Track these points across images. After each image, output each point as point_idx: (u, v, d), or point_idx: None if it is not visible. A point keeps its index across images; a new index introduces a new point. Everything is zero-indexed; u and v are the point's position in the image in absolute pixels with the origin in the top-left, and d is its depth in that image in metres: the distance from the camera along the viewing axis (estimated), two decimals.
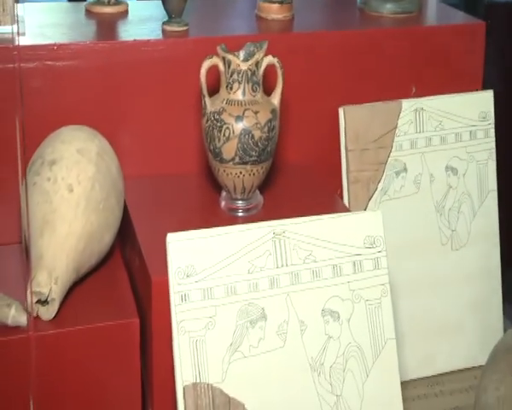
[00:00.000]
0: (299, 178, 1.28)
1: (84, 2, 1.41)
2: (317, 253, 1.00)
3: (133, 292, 1.09)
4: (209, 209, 1.18)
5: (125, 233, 1.16)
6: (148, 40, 1.28)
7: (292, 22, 1.40)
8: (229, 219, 1.15)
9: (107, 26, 1.34)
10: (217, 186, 1.18)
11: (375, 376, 0.98)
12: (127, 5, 1.41)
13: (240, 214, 1.17)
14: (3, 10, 1.25)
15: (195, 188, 1.24)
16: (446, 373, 1.29)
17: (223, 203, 1.18)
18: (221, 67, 1.14)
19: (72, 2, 1.65)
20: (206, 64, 1.13)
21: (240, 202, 1.17)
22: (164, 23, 1.32)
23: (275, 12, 1.41)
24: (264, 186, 1.19)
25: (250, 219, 1.14)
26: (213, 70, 1.13)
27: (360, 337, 0.98)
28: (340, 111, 1.30)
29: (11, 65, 1.17)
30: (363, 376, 0.97)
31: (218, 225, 0.96)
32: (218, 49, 1.13)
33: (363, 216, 1.03)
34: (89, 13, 1.38)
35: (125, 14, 1.39)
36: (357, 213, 1.05)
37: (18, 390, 0.97)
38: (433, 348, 1.30)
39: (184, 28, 1.32)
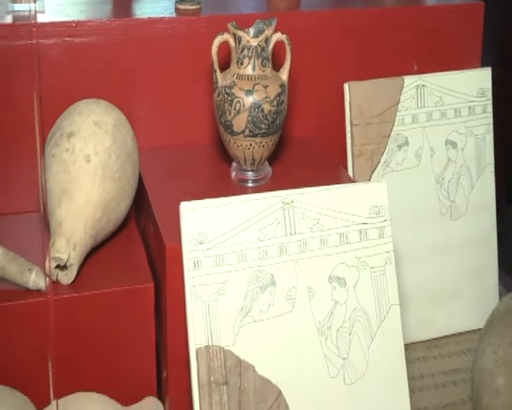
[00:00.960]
0: (305, 150, 1.24)
1: None
2: (324, 222, 0.95)
3: (148, 258, 1.05)
4: (220, 179, 1.14)
5: (140, 202, 1.12)
6: (162, 18, 1.24)
7: (299, 2, 1.35)
8: (239, 189, 1.10)
9: (122, 5, 1.28)
10: (227, 157, 1.14)
11: (380, 339, 0.94)
12: None
13: (249, 185, 1.12)
14: None
15: (207, 159, 1.20)
16: (444, 337, 1.25)
17: (233, 174, 1.13)
18: (232, 43, 1.09)
19: None
20: (217, 40, 1.09)
21: (249, 172, 1.12)
22: (177, 2, 1.27)
23: None
24: (272, 158, 1.15)
25: (259, 189, 1.10)
26: (224, 46, 1.09)
27: (365, 303, 0.94)
28: (346, 87, 1.25)
29: (31, 41, 1.14)
30: (368, 339, 0.93)
31: (228, 195, 0.93)
32: (229, 26, 1.09)
33: (369, 187, 0.98)
34: None
35: None
36: (363, 184, 1.00)
37: (38, 351, 0.93)
38: (432, 313, 1.25)
39: (197, 7, 1.28)
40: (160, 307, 0.99)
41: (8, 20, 1.17)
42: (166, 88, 1.22)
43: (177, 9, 1.27)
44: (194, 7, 1.28)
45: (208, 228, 0.91)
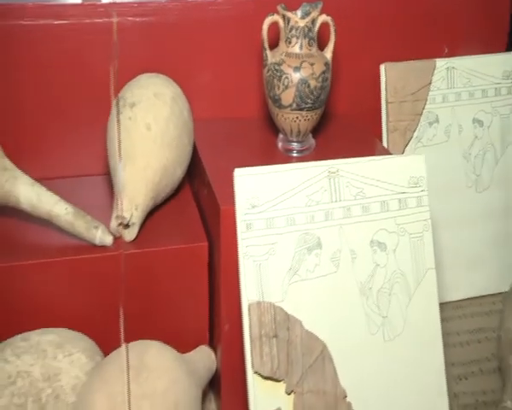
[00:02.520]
0: (344, 125, 1.17)
1: None
2: (366, 190, 0.89)
3: (201, 220, 1.00)
4: (267, 149, 1.07)
5: (194, 168, 1.06)
6: (215, 0, 1.17)
7: None
8: (285, 158, 1.04)
9: None
10: (274, 129, 1.08)
11: (417, 300, 0.88)
12: None
13: (294, 154, 1.06)
14: None
15: (255, 130, 1.13)
16: (468, 299, 1.20)
17: (280, 144, 1.07)
18: (281, 23, 1.02)
19: None
20: (267, 21, 1.02)
21: (295, 143, 1.06)
22: None
23: None
24: (315, 131, 1.08)
25: (303, 159, 1.03)
26: (273, 27, 1.02)
27: (404, 266, 0.88)
28: (382, 67, 1.18)
29: (100, 20, 1.08)
30: (406, 300, 0.87)
31: (275, 163, 0.87)
32: (279, 8, 1.02)
33: (409, 159, 0.92)
34: None
35: None
36: (404, 156, 0.95)
37: (103, 301, 0.91)
38: (457, 277, 1.20)
39: None
40: (213, 265, 0.94)
41: (78, 0, 1.12)
42: (219, 65, 1.15)
43: None
44: None
45: (260, 193, 0.85)
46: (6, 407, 0.76)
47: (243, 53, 1.15)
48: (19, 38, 1.06)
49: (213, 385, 0.97)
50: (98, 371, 0.78)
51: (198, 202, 1.05)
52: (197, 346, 0.94)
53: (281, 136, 1.08)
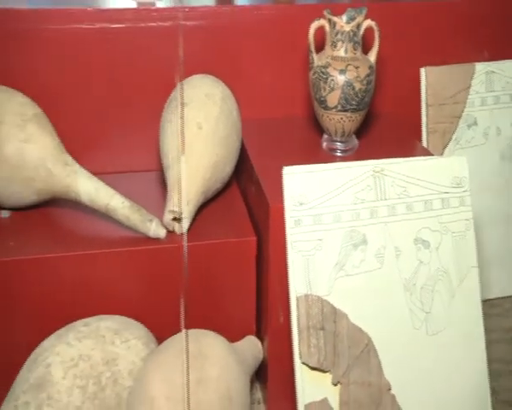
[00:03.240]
0: (386, 126, 1.15)
1: None
2: (410, 189, 0.88)
3: (248, 215, 0.99)
4: (312, 148, 1.06)
5: (242, 166, 1.05)
6: (261, 5, 1.17)
7: None
8: (329, 157, 1.03)
9: None
10: (319, 129, 1.06)
11: (460, 298, 0.86)
12: None
13: (338, 154, 1.05)
14: None
15: (301, 130, 1.12)
16: (504, 297, 1.17)
17: (324, 144, 1.06)
18: (327, 28, 1.01)
19: None
20: (314, 25, 1.01)
21: (339, 143, 1.05)
22: None
23: None
24: (358, 131, 1.07)
25: (346, 159, 1.02)
26: (319, 31, 1.01)
27: (447, 264, 0.87)
28: (422, 71, 1.17)
29: (153, 24, 1.09)
30: (448, 297, 0.86)
31: (319, 162, 0.86)
32: (325, 13, 1.01)
33: (452, 160, 0.90)
34: None
35: None
36: (447, 158, 0.93)
37: (156, 290, 0.91)
38: (493, 275, 1.17)
39: None
40: (261, 258, 0.94)
41: (133, 5, 1.12)
42: (266, 67, 1.14)
43: None
44: None
45: (308, 190, 0.84)
46: (70, 387, 0.77)
47: (289, 56, 1.14)
48: (78, 41, 1.07)
49: (259, 374, 0.97)
50: (155, 357, 0.78)
51: (245, 197, 1.04)
52: (244, 336, 0.93)
53: (325, 136, 1.07)
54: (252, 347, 0.91)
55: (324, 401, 0.78)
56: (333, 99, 1.01)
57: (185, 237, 0.64)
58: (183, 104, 0.64)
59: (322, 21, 1.02)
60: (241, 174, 1.07)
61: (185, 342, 0.62)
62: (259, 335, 0.95)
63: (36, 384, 0.76)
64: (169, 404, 0.72)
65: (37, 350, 0.81)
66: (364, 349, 0.82)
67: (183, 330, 0.64)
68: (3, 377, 0.83)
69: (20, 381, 0.78)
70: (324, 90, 1.01)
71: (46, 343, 0.80)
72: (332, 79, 1.01)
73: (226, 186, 1.04)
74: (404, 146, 1.09)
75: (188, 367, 0.61)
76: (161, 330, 0.88)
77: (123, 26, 1.09)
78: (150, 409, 0.72)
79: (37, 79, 1.04)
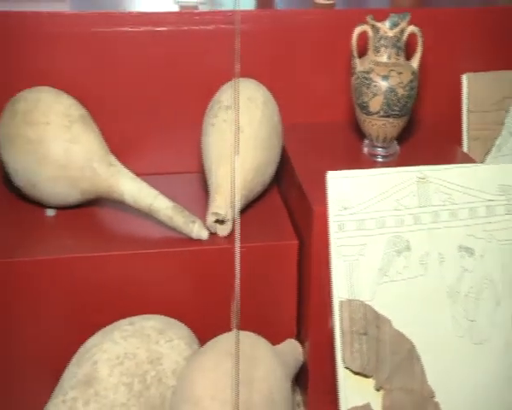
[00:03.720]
0: (427, 132, 1.15)
1: None
2: (455, 196, 0.87)
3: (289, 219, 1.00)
4: (353, 153, 1.06)
5: (282, 170, 1.06)
6: (302, 10, 1.18)
7: (421, 2, 1.26)
8: (370, 163, 1.03)
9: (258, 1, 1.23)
10: (359, 134, 1.07)
11: (505, 306, 0.85)
12: None
13: (379, 160, 1.05)
14: None
15: (341, 135, 1.12)
16: None
17: (365, 149, 1.06)
18: (370, 33, 1.02)
19: None
20: (357, 30, 1.02)
21: (380, 149, 1.05)
22: None
23: None
24: (399, 137, 1.07)
25: (387, 164, 1.02)
26: (361, 36, 1.01)
27: (492, 272, 0.86)
28: (464, 78, 1.17)
29: (196, 27, 1.10)
30: (494, 305, 0.85)
31: (360, 168, 0.86)
32: (368, 18, 1.01)
33: (498, 168, 0.89)
34: None
35: None
36: (493, 165, 0.92)
37: (203, 293, 0.92)
38: None
39: (332, 2, 1.21)
40: (303, 262, 0.94)
41: (176, 8, 1.14)
42: (306, 71, 1.15)
43: (314, 3, 1.21)
44: (329, 2, 1.21)
45: (352, 195, 0.85)
46: (116, 384, 0.78)
47: (330, 60, 1.15)
48: (122, 44, 1.08)
49: (299, 378, 0.97)
50: (200, 358, 0.79)
51: (285, 201, 1.05)
52: (285, 339, 0.94)
53: (366, 141, 1.07)
54: (292, 350, 0.91)
55: (367, 406, 0.78)
56: (375, 104, 1.01)
57: (238, 240, 0.65)
58: (238, 107, 0.65)
59: (366, 27, 1.03)
60: (282, 178, 1.08)
61: (236, 344, 0.63)
62: (299, 338, 0.96)
63: (83, 381, 0.78)
64: (214, 404, 0.73)
65: (84, 347, 0.82)
66: (407, 356, 0.82)
67: (235, 332, 0.64)
68: (52, 371, 0.85)
69: (68, 376, 0.79)
70: (367, 95, 1.02)
71: (93, 340, 0.82)
72: (375, 85, 1.01)
73: (267, 189, 1.05)
74: (445, 152, 1.09)
75: (238, 368, 0.62)
76: (203, 331, 0.89)
77: (166, 29, 1.11)
78: (196, 408, 0.73)
79: (82, 80, 1.06)
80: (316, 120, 1.16)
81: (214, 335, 0.86)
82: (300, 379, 0.96)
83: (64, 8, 1.10)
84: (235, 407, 0.61)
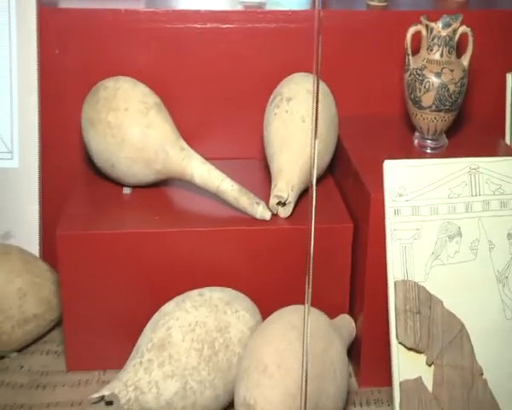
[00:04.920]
0: (473, 126, 1.09)
1: None
2: (505, 187, 0.83)
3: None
4: (404, 144, 1.02)
5: (337, 159, 1.02)
6: (356, 11, 1.13)
7: (467, 3, 1.20)
8: (420, 154, 0.99)
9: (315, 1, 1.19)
10: (410, 127, 1.02)
11: None
12: None
13: (428, 151, 1.00)
14: None
15: (393, 127, 1.08)
16: None
17: (416, 141, 1.01)
18: (424, 32, 0.97)
19: None
20: (411, 30, 0.97)
21: (429, 141, 1.00)
22: None
23: None
24: (448, 130, 1.02)
25: (436, 156, 0.97)
26: (414, 35, 0.96)
27: None
28: (508, 76, 1.11)
29: (259, 25, 1.07)
30: None
31: (410, 158, 0.83)
32: (422, 19, 0.97)
33: None
34: None
35: None
36: None
37: (265, 268, 0.89)
38: None
39: (384, 4, 1.16)
40: (357, 244, 0.91)
41: (240, 8, 1.11)
42: (360, 68, 1.11)
43: (367, 5, 1.16)
44: (382, 4, 1.16)
45: (407, 183, 0.81)
46: (187, 349, 0.76)
47: (383, 58, 1.10)
48: (192, 39, 1.06)
49: (351, 350, 0.93)
50: (266, 329, 0.77)
51: (339, 187, 1.01)
52: (338, 314, 0.91)
53: (417, 134, 1.02)
54: (347, 324, 0.88)
55: (419, 380, 0.75)
56: (427, 100, 0.97)
57: (313, 221, 0.62)
58: (317, 100, 0.62)
59: (420, 27, 0.98)
60: (336, 166, 1.04)
61: (305, 319, 0.61)
62: (352, 314, 0.93)
63: (158, 345, 0.76)
64: (280, 371, 0.71)
65: (159, 314, 0.81)
66: (458, 335, 0.78)
67: (307, 306, 0.62)
68: (129, 335, 0.84)
69: (144, 340, 0.78)
70: (419, 90, 0.97)
71: (166, 309, 0.80)
72: (427, 81, 0.96)
73: (322, 177, 1.02)
74: (490, 145, 1.04)
75: (307, 339, 0.59)
76: (263, 304, 0.87)
77: (232, 26, 1.08)
78: (264, 374, 0.71)
79: (155, 72, 1.04)
80: (369, 113, 1.11)
81: (274, 307, 0.83)
82: (352, 352, 0.93)
83: (139, 6, 1.09)
84: (304, 376, 0.59)
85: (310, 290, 0.63)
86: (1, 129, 1.00)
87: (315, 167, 0.61)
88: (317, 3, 0.60)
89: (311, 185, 0.62)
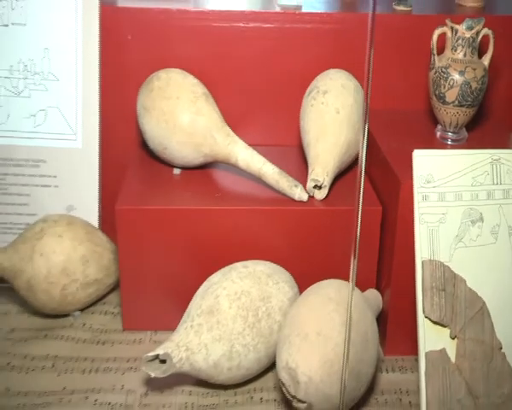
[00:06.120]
0: (491, 121, 1.03)
1: None
2: None
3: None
4: (427, 136, 0.96)
5: (367, 148, 0.97)
6: (384, 14, 1.06)
7: (483, 10, 1.13)
8: (442, 145, 0.93)
9: (346, 5, 1.12)
10: (432, 121, 0.97)
11: None
12: None
13: (449, 143, 0.94)
14: None
15: (417, 120, 1.01)
16: None
17: (438, 134, 0.96)
18: (449, 34, 0.91)
19: None
20: (437, 31, 0.91)
21: (450, 134, 0.94)
22: (394, 3, 1.09)
23: (471, 1, 1.15)
24: (467, 125, 0.96)
25: (456, 147, 0.92)
26: (439, 36, 0.91)
27: None
28: None
29: (296, 25, 1.01)
30: None
31: (433, 149, 0.78)
32: (447, 21, 0.91)
33: None
34: None
35: None
36: None
37: (301, 245, 0.85)
38: None
39: (409, 8, 1.09)
40: (385, 226, 0.86)
41: (277, 9, 1.05)
42: (387, 65, 1.04)
43: (394, 10, 1.10)
44: (407, 8, 1.10)
45: (434, 171, 0.75)
46: (234, 316, 0.73)
47: (408, 56, 1.04)
48: (236, 36, 1.01)
49: (377, 323, 0.89)
50: (306, 299, 0.73)
51: (368, 174, 0.96)
52: (366, 289, 0.87)
53: (439, 127, 0.96)
54: (375, 298, 0.84)
55: (443, 351, 0.71)
56: (451, 95, 0.91)
57: (360, 201, 0.58)
58: (368, 95, 0.57)
59: (445, 28, 0.92)
60: (367, 155, 0.99)
61: (350, 295, 0.57)
62: (379, 288, 0.88)
63: (207, 311, 0.73)
64: (319, 339, 0.67)
65: (207, 283, 0.77)
66: (479, 311, 0.73)
67: (350, 283, 0.58)
68: (178, 300, 0.82)
69: (194, 306, 0.75)
70: (444, 87, 0.91)
71: (214, 278, 0.77)
72: (452, 78, 0.90)
73: (353, 164, 0.97)
74: (507, 139, 0.98)
75: (350, 312, 0.55)
76: (300, 277, 0.83)
77: (272, 25, 1.02)
78: (305, 341, 0.67)
79: (203, 65, 0.99)
80: (396, 107, 1.05)
81: (309, 281, 0.79)
82: (379, 323, 0.88)
83: (189, 6, 1.04)
84: (347, 344, 0.55)
85: (355, 267, 0.59)
86: (67, 114, 0.97)
87: (363, 162, 0.56)
88: (370, 10, 0.54)
89: (360, 176, 0.57)
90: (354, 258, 0.57)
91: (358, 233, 0.58)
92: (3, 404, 0.72)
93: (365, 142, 0.58)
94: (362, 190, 0.57)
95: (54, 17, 0.95)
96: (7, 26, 0.94)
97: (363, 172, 0.56)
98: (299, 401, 0.66)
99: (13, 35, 0.94)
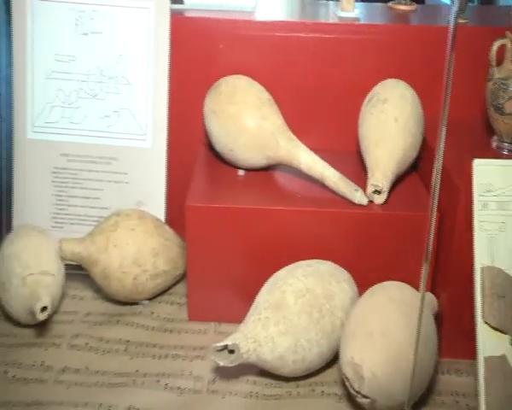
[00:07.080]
0: None
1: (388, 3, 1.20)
2: None
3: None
4: (483, 146, 0.94)
5: (422, 155, 0.96)
6: (439, 26, 1.05)
7: None
8: (497, 155, 0.91)
9: (400, 17, 1.11)
10: (488, 131, 0.95)
11: None
12: (416, 6, 1.17)
13: (505, 153, 0.92)
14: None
15: (473, 130, 1.00)
16: None
17: (494, 144, 0.94)
18: (509, 45, 0.88)
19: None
20: (497, 43, 0.89)
21: (506, 144, 0.92)
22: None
23: None
24: None
25: None
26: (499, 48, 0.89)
27: None
28: None
29: (354, 36, 1.01)
30: None
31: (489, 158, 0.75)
32: (507, 33, 0.89)
33: None
34: (389, 8, 1.15)
35: (415, 11, 1.14)
36: None
37: (362, 247, 0.85)
38: None
39: (465, 21, 1.08)
40: (442, 232, 0.85)
41: (336, 20, 1.05)
42: (443, 76, 1.04)
43: (448, 21, 1.08)
44: (463, 21, 1.07)
45: (493, 180, 0.74)
46: (299, 311, 0.74)
47: (463, 68, 1.00)
48: (297, 45, 1.01)
49: None
50: (370, 299, 0.73)
51: (423, 180, 0.95)
52: None
53: (495, 137, 0.94)
54: (431, 301, 0.83)
55: (503, 357, 0.69)
56: (510, 106, 0.88)
57: (435, 207, 0.57)
58: (447, 101, 0.57)
59: (505, 40, 0.90)
60: (421, 162, 0.98)
61: (421, 300, 0.56)
62: (434, 292, 0.87)
63: (274, 305, 0.74)
64: (384, 338, 0.67)
65: (273, 279, 0.78)
66: None
67: (422, 289, 0.57)
68: (242, 294, 0.83)
69: (262, 300, 0.76)
70: (503, 98, 0.89)
71: (280, 274, 0.78)
72: (511, 90, 0.89)
73: (408, 171, 0.96)
74: None
75: (421, 312, 0.55)
76: (359, 278, 0.83)
77: (331, 36, 1.02)
78: (370, 339, 0.67)
79: (266, 72, 1.00)
80: (450, 116, 1.03)
81: (367, 282, 0.79)
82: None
83: (252, 17, 1.05)
84: (416, 345, 0.55)
85: (427, 271, 0.58)
86: (138, 115, 0.99)
87: (440, 171, 0.55)
88: (451, 25, 0.54)
89: (435, 185, 0.57)
90: (426, 262, 0.57)
91: (431, 239, 0.58)
92: (84, 380, 0.76)
93: (442, 150, 0.57)
94: (436, 199, 0.57)
95: (128, 26, 0.98)
96: (86, 34, 0.98)
97: (438, 180, 0.56)
98: (364, 396, 0.66)
99: (91, 43, 0.97)
